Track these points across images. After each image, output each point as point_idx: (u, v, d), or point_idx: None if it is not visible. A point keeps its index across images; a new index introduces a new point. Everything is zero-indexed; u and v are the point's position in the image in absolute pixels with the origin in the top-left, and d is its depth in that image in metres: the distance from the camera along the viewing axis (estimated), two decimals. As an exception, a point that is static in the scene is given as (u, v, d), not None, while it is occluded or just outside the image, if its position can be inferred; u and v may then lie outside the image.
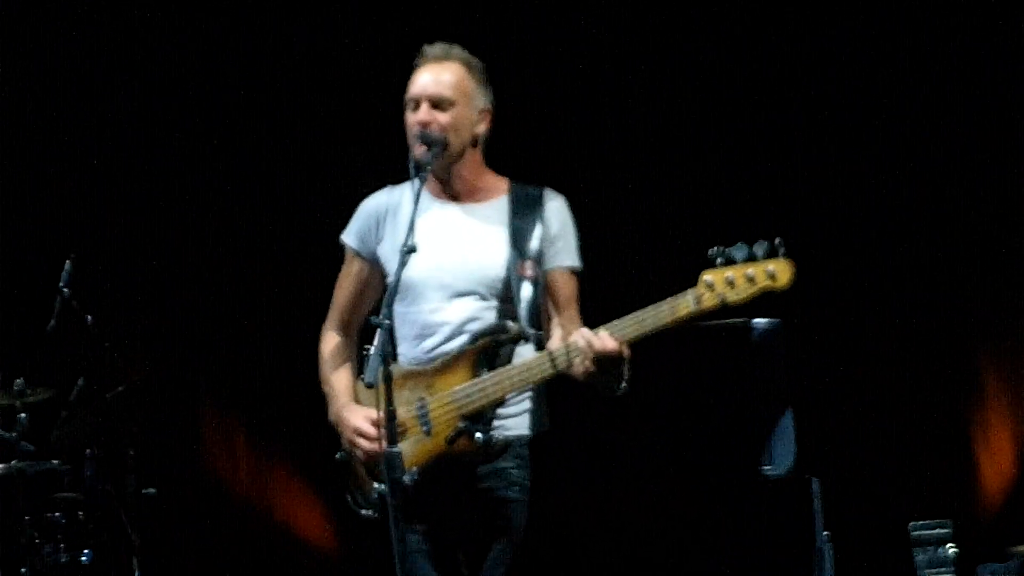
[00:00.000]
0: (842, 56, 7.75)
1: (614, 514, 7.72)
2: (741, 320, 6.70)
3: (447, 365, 4.70)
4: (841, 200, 7.71)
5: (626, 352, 4.54)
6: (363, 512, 4.84)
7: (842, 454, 7.43)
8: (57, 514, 7.34)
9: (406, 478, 4.43)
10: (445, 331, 4.76)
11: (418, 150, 4.76)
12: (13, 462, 7.25)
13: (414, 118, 4.81)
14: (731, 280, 4.43)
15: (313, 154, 8.40)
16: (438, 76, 4.84)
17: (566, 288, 4.85)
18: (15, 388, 7.30)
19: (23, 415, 7.28)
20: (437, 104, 4.80)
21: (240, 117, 8.49)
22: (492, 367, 4.64)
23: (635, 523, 7.71)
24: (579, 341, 4.55)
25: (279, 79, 8.46)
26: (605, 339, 4.51)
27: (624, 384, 4.61)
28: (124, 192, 8.61)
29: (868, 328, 7.68)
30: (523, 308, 4.74)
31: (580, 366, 4.57)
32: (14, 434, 7.25)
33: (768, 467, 6.94)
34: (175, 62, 8.53)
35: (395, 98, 4.96)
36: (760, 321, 6.80)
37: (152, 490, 7.53)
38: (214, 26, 8.44)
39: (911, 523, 6.99)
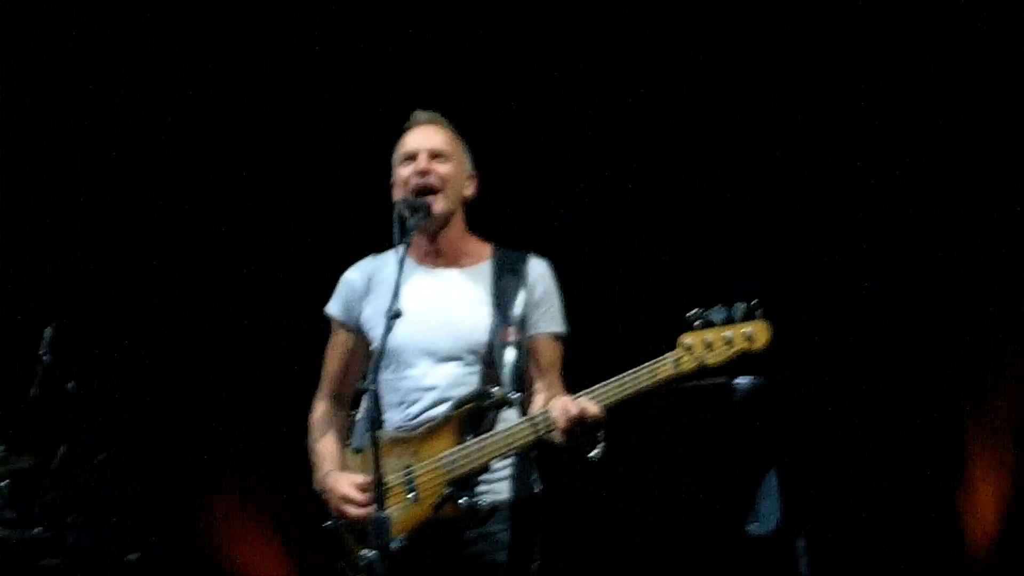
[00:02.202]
0: (820, 115, 7.77)
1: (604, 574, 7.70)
2: (723, 379, 6.72)
3: (433, 431, 4.71)
4: (823, 259, 7.72)
5: (602, 415, 4.55)
6: None
7: (828, 513, 7.42)
8: (40, 582, 7.31)
9: (394, 544, 4.44)
10: (430, 397, 4.78)
11: (405, 212, 4.81)
12: (-5, 530, 7.23)
13: (411, 168, 4.86)
14: (709, 343, 4.46)
15: (297, 227, 8.40)
16: (433, 133, 4.94)
17: (549, 353, 4.88)
18: (-3, 455, 7.29)
19: (5, 482, 7.24)
20: (435, 155, 4.87)
21: (230, 195, 8.50)
22: (477, 432, 4.66)
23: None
24: (553, 411, 4.56)
25: (260, 164, 8.48)
26: (584, 405, 4.52)
27: (599, 448, 4.62)
28: (107, 258, 8.60)
29: (853, 386, 7.68)
30: (506, 373, 4.76)
31: (556, 434, 4.57)
32: (-5, 502, 7.23)
33: (754, 525, 6.94)
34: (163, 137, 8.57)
35: (374, 172, 5.00)
36: (742, 380, 6.82)
37: (135, 555, 7.49)
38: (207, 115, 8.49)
39: None
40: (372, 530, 4.36)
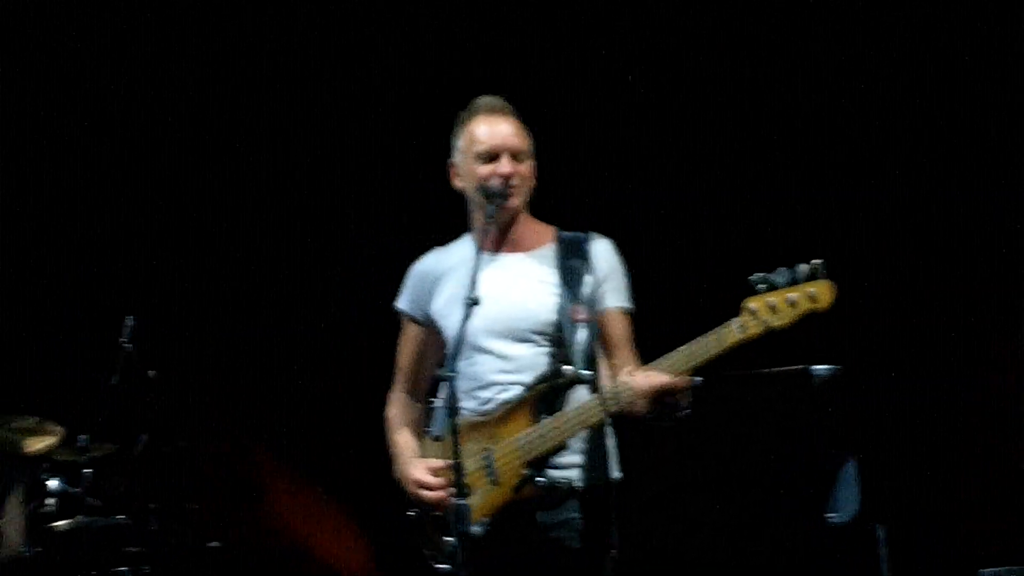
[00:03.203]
0: (886, 87, 7.71)
1: (680, 564, 7.67)
2: (800, 367, 6.69)
3: (508, 414, 4.72)
4: (901, 241, 7.66)
5: (683, 383, 4.54)
6: (439, 567, 4.83)
7: (908, 500, 7.37)
8: (123, 568, 7.36)
9: (476, 529, 4.45)
10: (503, 380, 4.78)
11: (482, 202, 4.82)
12: (79, 517, 7.31)
13: (492, 170, 4.84)
14: (773, 305, 4.42)
15: (365, 217, 8.44)
16: (510, 127, 4.90)
17: (619, 328, 4.86)
18: (79, 444, 7.36)
19: (88, 470, 7.33)
20: (515, 155, 4.86)
21: (306, 189, 8.56)
22: (551, 412, 4.65)
23: (701, 573, 7.66)
24: (633, 383, 4.55)
25: (329, 161, 8.53)
26: (652, 376, 4.52)
27: (686, 411, 4.60)
28: (187, 247, 8.68)
29: (933, 371, 7.61)
30: (577, 352, 4.74)
31: (635, 405, 4.56)
32: (79, 489, 7.30)
33: (833, 514, 6.89)
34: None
35: (434, 163, 5.01)
36: (820, 368, 6.78)
37: (216, 543, 7.54)
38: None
39: (980, 570, 6.92)
40: (453, 517, 4.38)
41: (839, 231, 7.51)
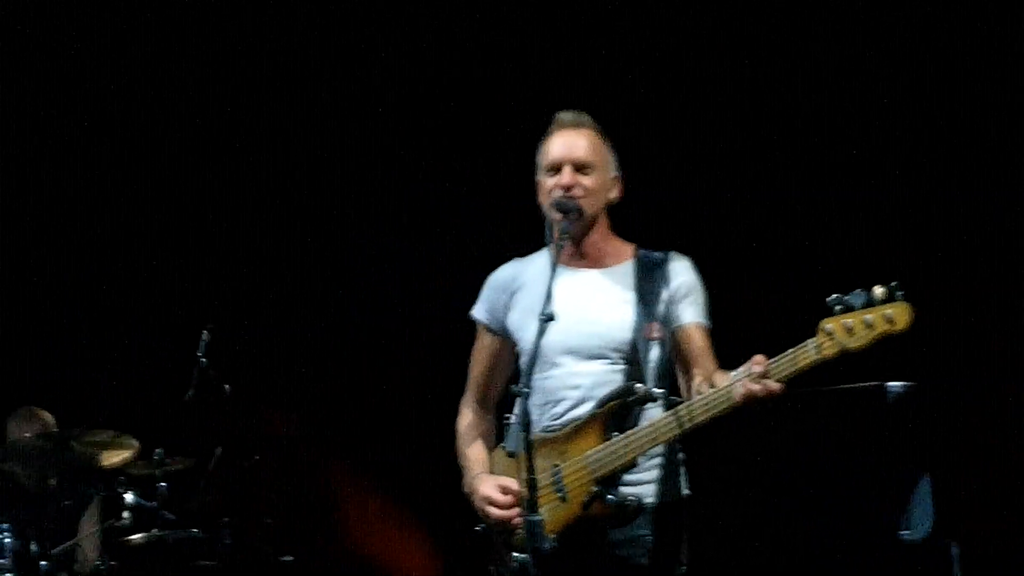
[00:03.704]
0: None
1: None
2: (875, 383, 6.64)
3: (578, 430, 4.71)
4: (978, 257, 7.60)
5: (778, 389, 4.46)
6: None
7: (983, 518, 7.30)
8: (198, 582, 7.43)
9: (545, 545, 4.44)
10: (574, 396, 4.78)
11: (555, 216, 4.81)
12: (154, 530, 7.36)
13: (555, 182, 4.85)
14: (850, 327, 4.39)
15: (441, 228, 8.46)
16: (578, 141, 4.90)
17: (698, 341, 4.82)
18: (155, 458, 7.44)
19: (163, 484, 7.39)
20: (579, 168, 4.85)
21: (378, 199, 8.59)
22: (622, 430, 4.64)
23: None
24: (736, 391, 4.46)
25: (403, 170, 8.56)
26: (768, 382, 4.43)
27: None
28: (262, 263, 8.73)
29: (1009, 387, 7.54)
30: (650, 369, 4.75)
31: (740, 395, 4.48)
32: (154, 503, 7.36)
33: (906, 532, 6.84)
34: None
35: (517, 174, 5.02)
36: (895, 384, 6.73)
37: (290, 558, 7.58)
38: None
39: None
40: (526, 532, 4.38)
41: (915, 247, 7.46)
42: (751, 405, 4.47)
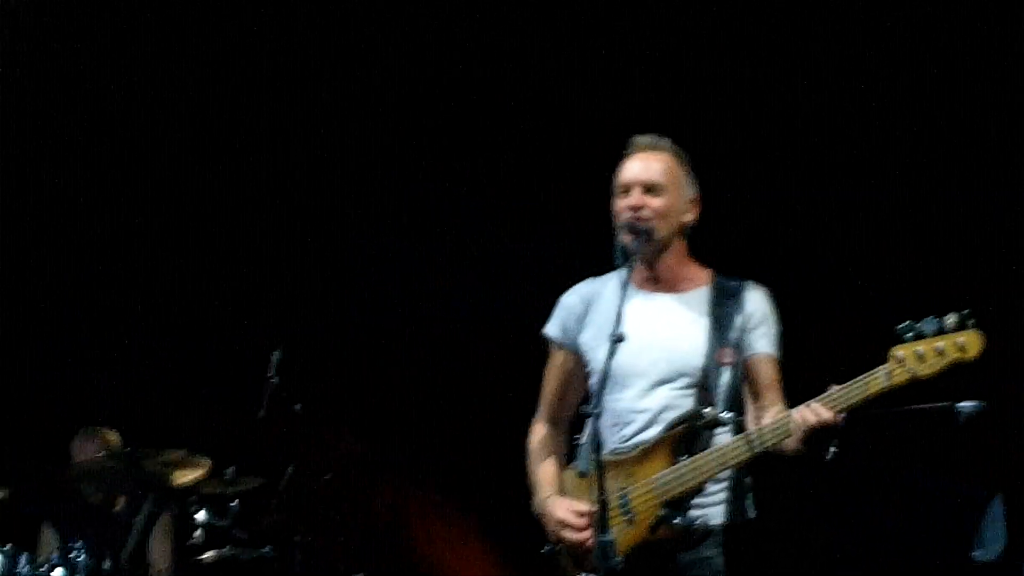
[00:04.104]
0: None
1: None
2: (946, 404, 6.60)
3: (646, 453, 4.72)
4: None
5: (837, 418, 4.50)
6: None
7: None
8: (268, 600, 7.46)
9: (615, 565, 4.43)
10: (643, 419, 4.79)
11: (626, 238, 4.82)
12: (225, 548, 7.40)
13: (625, 203, 4.86)
14: (921, 354, 4.40)
15: (518, 248, 8.47)
16: (649, 163, 4.91)
17: (767, 372, 4.84)
18: (226, 477, 7.48)
19: (235, 503, 7.43)
20: (649, 189, 4.86)
21: (451, 218, 8.62)
22: (691, 453, 4.65)
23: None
24: (797, 416, 4.52)
25: (481, 185, 8.57)
26: (819, 410, 4.49)
27: (834, 451, 4.57)
28: (332, 283, 8.78)
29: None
30: (720, 394, 4.76)
31: (790, 443, 4.54)
32: (226, 521, 7.40)
33: (978, 552, 6.80)
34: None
35: (595, 192, 5.02)
36: (965, 404, 6.68)
37: (361, 575, 7.60)
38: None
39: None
40: (597, 553, 4.40)
41: (987, 273, 7.40)
42: (812, 432, 4.48)
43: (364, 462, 7.86)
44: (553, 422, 5.12)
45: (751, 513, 4.81)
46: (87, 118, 8.87)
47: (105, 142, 8.89)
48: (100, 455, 7.50)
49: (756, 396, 4.82)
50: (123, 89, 8.82)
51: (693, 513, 4.64)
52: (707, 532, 4.67)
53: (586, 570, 4.73)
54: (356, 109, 8.67)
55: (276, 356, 7.39)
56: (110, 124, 8.88)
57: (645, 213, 4.83)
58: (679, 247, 4.96)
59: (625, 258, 4.81)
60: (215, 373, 8.66)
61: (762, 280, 5.00)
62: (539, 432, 5.14)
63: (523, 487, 5.12)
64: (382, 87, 8.57)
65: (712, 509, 4.72)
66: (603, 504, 4.40)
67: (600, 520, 4.39)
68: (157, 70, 8.78)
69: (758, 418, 4.74)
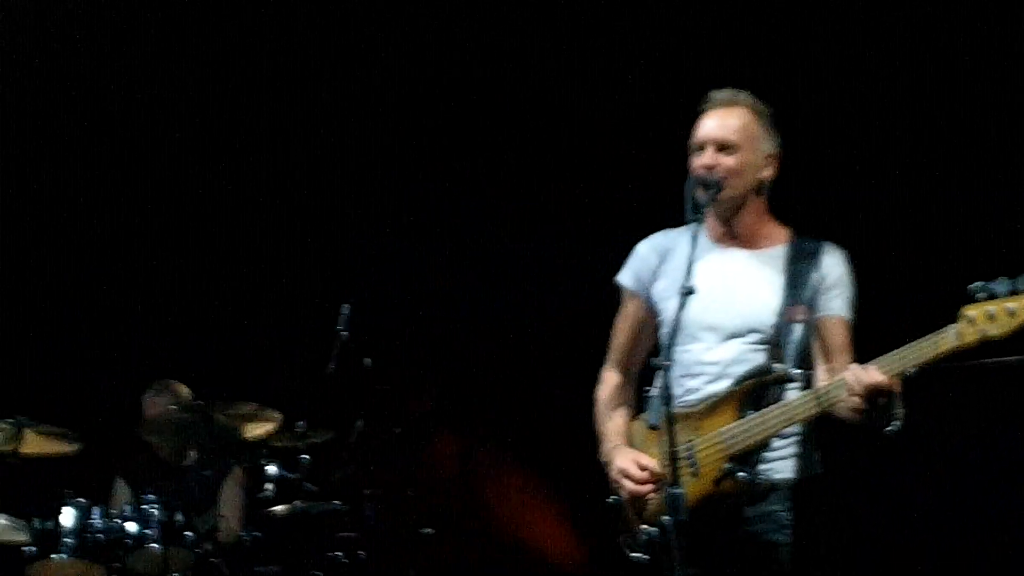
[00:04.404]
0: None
1: (889, 560, 7.53)
2: (1019, 358, 6.52)
3: (714, 406, 4.69)
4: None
5: (896, 387, 4.47)
6: (633, 555, 4.83)
7: None
8: (339, 554, 7.49)
9: (683, 518, 4.40)
10: (711, 372, 4.75)
11: (696, 192, 4.76)
12: (296, 502, 7.44)
13: (698, 161, 4.81)
14: (992, 314, 4.33)
15: (590, 198, 8.45)
16: (724, 120, 4.85)
17: (839, 336, 4.79)
18: (297, 430, 7.51)
19: (305, 456, 7.46)
20: (722, 148, 4.81)
21: (531, 170, 8.61)
22: (758, 408, 4.62)
23: (911, 569, 7.52)
24: (848, 376, 4.49)
25: (560, 137, 8.54)
26: (873, 372, 4.45)
27: (896, 421, 4.53)
28: (401, 237, 8.79)
29: None
30: (790, 351, 4.72)
31: (848, 402, 4.51)
32: (297, 475, 7.44)
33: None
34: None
35: (676, 143, 4.98)
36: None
37: (430, 530, 7.62)
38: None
39: None
40: (667, 504, 4.35)
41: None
42: (867, 395, 4.44)
43: (433, 416, 7.86)
44: (622, 371, 5.09)
45: (818, 469, 4.77)
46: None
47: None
48: (171, 409, 7.54)
49: (827, 358, 4.77)
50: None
51: (759, 468, 4.61)
52: (772, 487, 4.64)
53: (645, 522, 4.73)
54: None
55: (346, 310, 7.40)
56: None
57: (718, 172, 4.78)
58: (756, 204, 4.90)
59: (696, 212, 4.75)
60: (286, 327, 8.70)
61: (839, 242, 4.94)
62: (608, 381, 5.10)
63: (591, 439, 5.09)
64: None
65: (778, 464, 4.68)
66: (674, 458, 4.36)
67: (672, 473, 4.35)
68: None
69: (822, 378, 4.70)
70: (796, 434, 4.70)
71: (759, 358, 4.73)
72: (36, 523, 7.01)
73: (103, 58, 8.74)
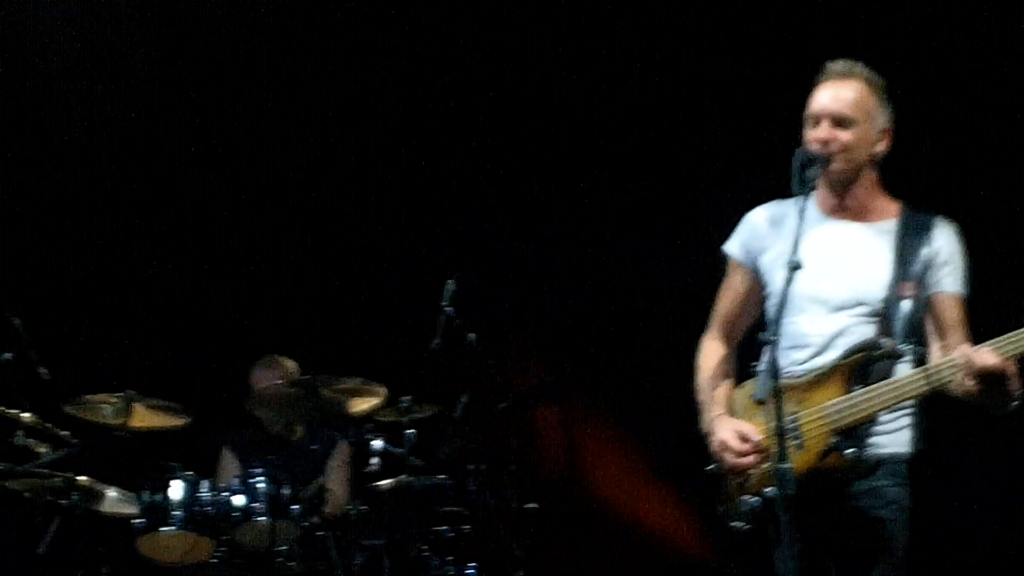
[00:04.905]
0: None
1: (1000, 538, 7.44)
2: None
3: (819, 380, 4.64)
4: None
5: (1011, 369, 4.40)
6: (733, 524, 4.81)
7: None
8: (443, 528, 7.51)
9: (790, 492, 4.37)
10: (817, 344, 4.71)
11: (805, 165, 4.71)
12: (402, 476, 7.47)
13: (813, 135, 4.76)
14: None
15: (701, 167, 8.41)
16: (840, 94, 4.79)
17: (952, 312, 4.72)
18: (402, 405, 7.53)
19: (411, 431, 7.49)
20: (838, 122, 4.76)
21: (649, 142, 8.59)
22: (865, 383, 4.56)
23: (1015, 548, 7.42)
24: (959, 357, 4.43)
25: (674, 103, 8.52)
26: (986, 355, 4.39)
27: (1014, 402, 4.46)
28: (504, 211, 8.80)
29: None
30: (899, 326, 4.66)
31: (961, 383, 4.44)
32: (402, 449, 7.46)
33: None
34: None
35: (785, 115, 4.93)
36: None
37: (534, 505, 7.62)
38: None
39: None
40: (775, 480, 4.31)
41: None
42: (981, 377, 4.38)
43: (538, 392, 7.85)
44: (725, 340, 5.04)
45: (923, 445, 4.70)
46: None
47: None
48: (279, 383, 7.60)
49: (941, 335, 4.71)
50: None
51: (865, 443, 4.55)
52: (878, 463, 4.57)
53: (745, 493, 4.69)
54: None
55: (450, 286, 7.41)
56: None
57: (833, 147, 4.73)
58: (869, 177, 4.85)
59: (804, 185, 4.70)
60: (392, 303, 8.74)
61: (951, 216, 4.87)
62: (710, 350, 5.05)
63: (693, 410, 5.05)
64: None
65: (885, 439, 4.61)
66: (781, 433, 4.31)
67: (779, 448, 4.30)
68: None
69: (935, 356, 4.63)
70: (904, 409, 4.64)
71: (867, 332, 4.67)
72: (145, 496, 7.07)
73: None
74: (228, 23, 8.69)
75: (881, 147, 4.82)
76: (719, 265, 5.07)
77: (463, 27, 8.51)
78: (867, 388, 4.56)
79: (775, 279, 4.77)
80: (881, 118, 4.82)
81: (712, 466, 4.85)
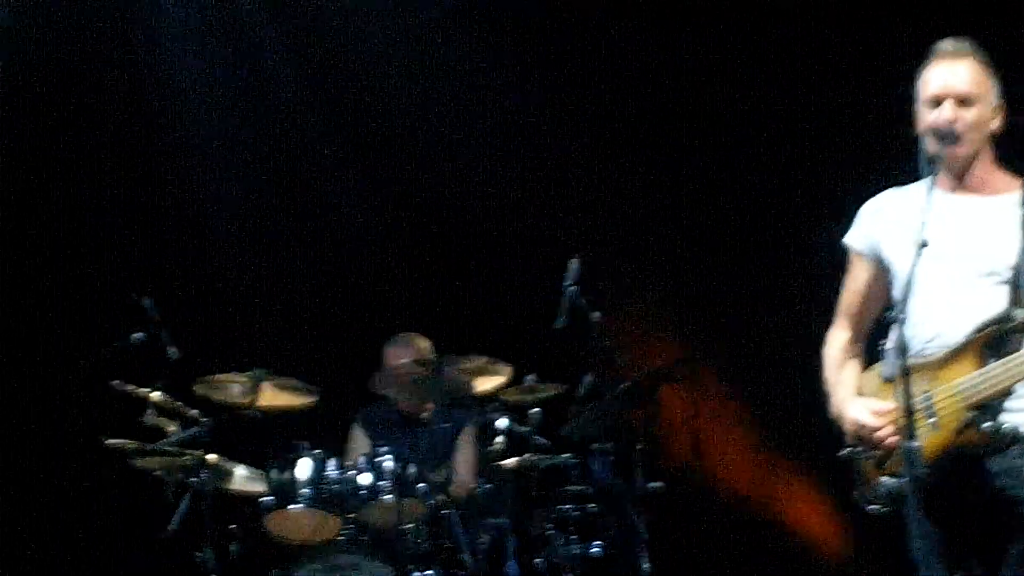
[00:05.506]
0: None
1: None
2: None
3: (952, 356, 4.58)
4: None
5: None
6: (870, 508, 4.76)
7: None
8: (569, 507, 7.50)
9: (921, 472, 4.32)
10: (949, 321, 4.63)
11: (931, 145, 4.67)
12: (527, 455, 7.48)
13: (939, 116, 4.69)
14: None
15: (815, 158, 8.34)
16: (960, 73, 4.73)
17: None
18: (527, 384, 7.53)
19: (536, 410, 7.49)
20: (962, 101, 4.70)
21: (780, 132, 8.54)
22: (999, 356, 4.49)
23: None
24: None
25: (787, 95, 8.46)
26: None
27: None
28: (627, 189, 8.78)
29: None
30: (1032, 296, 4.57)
31: None
32: (527, 428, 7.47)
33: None
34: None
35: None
36: None
37: (659, 484, 7.60)
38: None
39: None
40: (904, 459, 4.27)
41: None
42: None
43: (664, 372, 7.82)
44: (851, 332, 5.00)
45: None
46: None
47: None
48: (410, 362, 7.63)
49: None
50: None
51: (1002, 417, 4.48)
52: (1016, 438, 4.49)
53: (887, 473, 4.64)
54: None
55: (574, 265, 7.40)
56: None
57: (959, 127, 4.67)
58: (988, 155, 4.79)
59: (930, 165, 4.65)
60: (516, 282, 8.75)
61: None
62: (836, 339, 5.01)
63: (822, 399, 5.00)
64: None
65: (1021, 413, 4.53)
66: (909, 411, 4.26)
67: (908, 426, 4.25)
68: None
69: None
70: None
71: (999, 302, 4.60)
72: (274, 474, 7.13)
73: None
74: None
75: (997, 124, 4.77)
76: (840, 258, 5.04)
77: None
78: (1002, 361, 4.49)
79: (900, 262, 4.72)
80: (994, 95, 4.77)
81: (845, 451, 4.80)
